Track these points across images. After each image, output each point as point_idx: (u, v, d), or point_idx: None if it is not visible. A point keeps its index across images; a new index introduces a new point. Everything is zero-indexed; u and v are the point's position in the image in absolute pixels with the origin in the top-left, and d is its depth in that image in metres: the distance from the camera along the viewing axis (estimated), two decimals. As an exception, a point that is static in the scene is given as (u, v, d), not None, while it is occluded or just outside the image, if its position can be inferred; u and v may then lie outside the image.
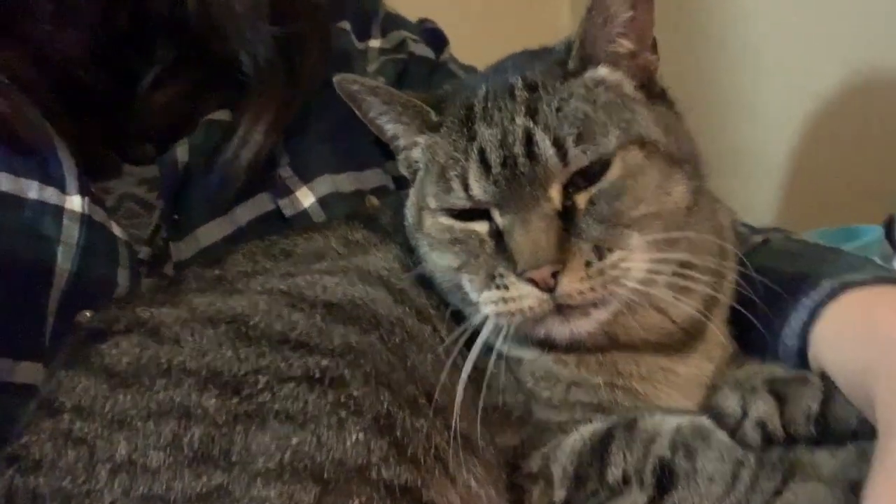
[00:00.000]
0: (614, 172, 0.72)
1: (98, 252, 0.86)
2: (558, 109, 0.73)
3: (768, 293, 0.77)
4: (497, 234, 0.74)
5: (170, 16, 0.99)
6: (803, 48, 1.68)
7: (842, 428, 0.66)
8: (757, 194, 1.77)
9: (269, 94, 0.99)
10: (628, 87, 0.78)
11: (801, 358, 0.74)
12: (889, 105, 1.58)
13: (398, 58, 1.17)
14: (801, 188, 1.77)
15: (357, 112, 0.83)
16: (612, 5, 0.74)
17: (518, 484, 0.75)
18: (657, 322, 0.78)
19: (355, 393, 0.67)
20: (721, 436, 0.70)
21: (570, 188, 0.73)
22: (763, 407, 0.70)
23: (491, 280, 0.73)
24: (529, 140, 0.72)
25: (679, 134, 0.78)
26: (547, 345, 0.77)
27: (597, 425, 0.75)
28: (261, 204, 0.97)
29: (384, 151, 0.99)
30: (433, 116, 0.80)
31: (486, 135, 0.74)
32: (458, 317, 0.78)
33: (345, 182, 1.02)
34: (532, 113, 0.73)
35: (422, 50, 1.19)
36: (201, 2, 0.97)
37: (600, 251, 0.70)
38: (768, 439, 0.69)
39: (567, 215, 0.72)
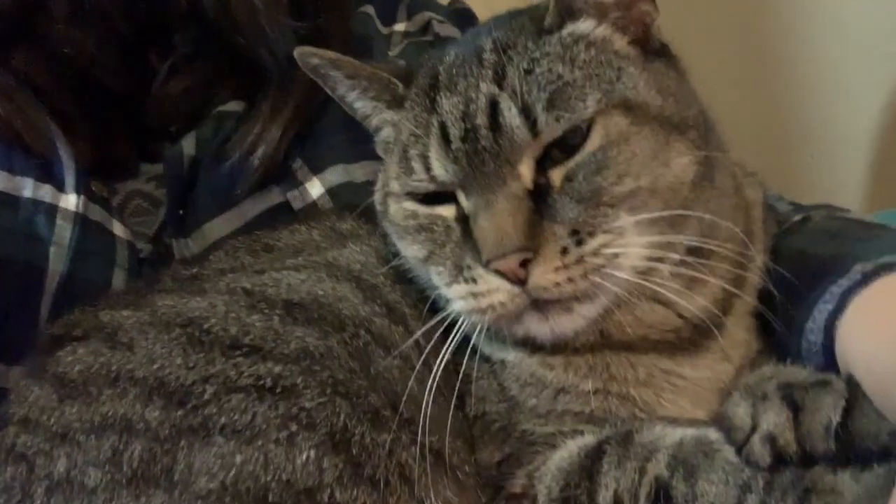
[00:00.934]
0: (594, 142, 0.65)
1: (92, 253, 0.86)
2: (528, 71, 0.66)
3: (796, 282, 0.68)
4: (465, 219, 0.68)
5: (187, 9, 0.98)
6: (892, 18, 1.58)
7: (869, 444, 0.57)
8: (843, 172, 1.72)
9: (289, 88, 0.97)
10: (618, 42, 0.70)
11: (828, 357, 0.64)
12: None
13: (422, 40, 1.13)
14: (891, 165, 1.69)
15: (327, 90, 0.79)
16: None
17: None
18: (660, 318, 0.70)
19: (308, 404, 0.63)
20: (727, 453, 0.62)
21: (544, 163, 0.66)
22: (774, 418, 0.61)
23: (459, 272, 0.67)
24: (494, 109, 0.65)
25: (680, 96, 0.69)
26: (531, 345, 0.70)
27: (587, 440, 0.69)
28: (270, 197, 0.95)
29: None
30: (400, 89, 0.74)
31: (447, 106, 0.68)
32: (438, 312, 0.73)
33: (358, 172, 0.97)
34: (499, 78, 0.66)
35: (447, 31, 1.15)
36: None
37: (580, 235, 0.63)
38: (780, 457, 0.60)
39: (541, 195, 0.65)
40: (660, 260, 0.66)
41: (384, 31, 1.13)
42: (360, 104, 0.78)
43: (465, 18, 1.19)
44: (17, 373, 0.79)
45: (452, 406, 0.68)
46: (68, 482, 0.61)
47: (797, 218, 0.83)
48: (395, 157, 0.73)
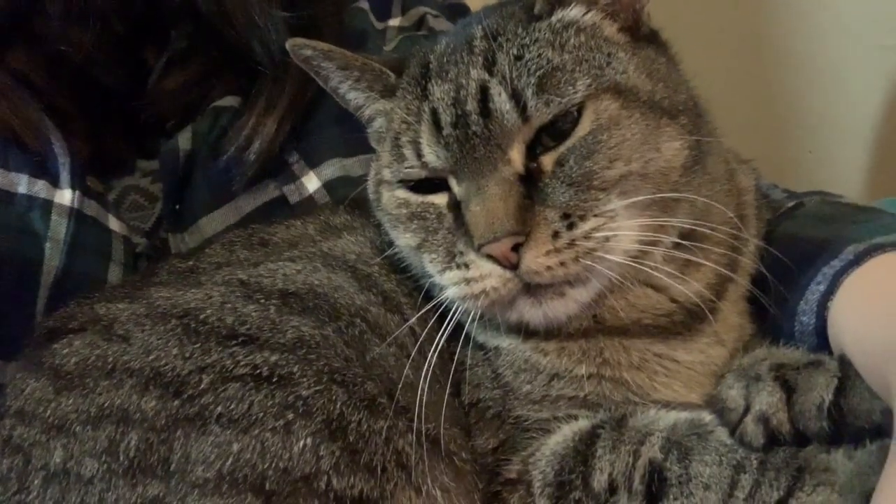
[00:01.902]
0: (584, 126, 0.65)
1: (87, 248, 0.86)
2: (518, 57, 0.66)
3: (790, 265, 0.69)
4: (457, 206, 0.68)
5: (182, 5, 0.98)
6: (888, 8, 1.59)
7: (862, 423, 0.57)
8: (841, 166, 1.73)
9: (283, 81, 0.97)
10: (608, 29, 0.71)
11: (821, 338, 0.65)
12: None
13: (417, 35, 1.14)
14: (888, 155, 1.70)
15: (319, 82, 0.79)
16: None
17: (496, 492, 0.70)
18: (653, 302, 0.71)
19: (304, 393, 0.63)
20: (721, 435, 0.63)
21: (535, 149, 0.66)
22: (767, 399, 0.61)
23: (451, 259, 0.68)
24: (485, 94, 0.65)
25: (670, 81, 0.70)
26: (524, 331, 0.71)
27: (581, 424, 0.69)
28: (266, 191, 0.95)
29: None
30: (392, 79, 0.75)
31: (438, 93, 0.68)
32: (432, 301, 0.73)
33: (355, 166, 0.98)
34: (489, 64, 0.66)
35: (442, 25, 1.15)
36: None
37: (571, 219, 0.63)
38: (773, 437, 0.61)
39: (532, 180, 0.65)
40: (653, 244, 0.66)
41: (379, 26, 1.13)
42: (353, 95, 0.79)
43: (459, 13, 1.19)
44: (13, 368, 0.78)
45: (448, 394, 0.68)
46: (65, 473, 0.61)
47: (791, 204, 0.83)
48: (387, 145, 0.73)
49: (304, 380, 0.64)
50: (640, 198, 0.65)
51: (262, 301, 0.69)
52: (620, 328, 0.70)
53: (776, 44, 1.78)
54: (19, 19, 0.91)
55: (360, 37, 1.06)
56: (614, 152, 0.64)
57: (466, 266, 0.66)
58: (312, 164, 0.96)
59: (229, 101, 0.98)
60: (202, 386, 0.64)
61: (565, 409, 0.70)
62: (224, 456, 0.60)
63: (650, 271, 0.66)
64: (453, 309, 0.69)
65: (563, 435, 0.69)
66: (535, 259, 0.62)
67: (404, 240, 0.72)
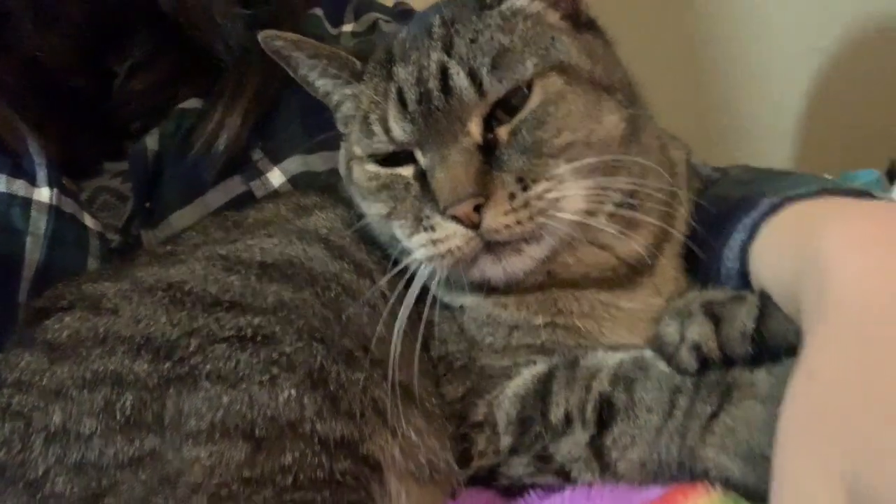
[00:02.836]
0: (534, 100, 0.71)
1: (66, 242, 0.88)
2: (472, 41, 0.72)
3: (715, 220, 0.76)
4: (422, 176, 0.73)
5: (145, 10, 1.00)
6: (804, 9, 1.69)
7: (779, 344, 0.64)
8: (769, 163, 1.80)
9: (245, 78, 1.00)
10: (551, 16, 0.77)
11: (743, 279, 0.71)
12: (892, 53, 1.61)
13: (371, 40, 1.15)
14: (812, 147, 1.78)
15: (288, 70, 0.83)
16: None
17: (465, 434, 0.74)
18: (600, 259, 0.77)
19: (287, 349, 0.67)
20: (660, 366, 0.68)
21: (491, 121, 0.72)
22: (698, 329, 0.67)
23: (419, 223, 0.72)
24: (445, 74, 0.71)
25: (607, 62, 0.76)
26: (486, 288, 0.76)
27: (539, 367, 0.74)
28: (233, 187, 0.98)
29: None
30: (358, 66, 0.80)
31: (403, 74, 0.74)
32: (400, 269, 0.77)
33: (317, 161, 1.02)
34: (447, 47, 0.72)
35: (394, 30, 1.18)
36: None
37: (525, 183, 0.69)
38: (706, 363, 0.67)
39: (489, 149, 0.71)
40: (598, 203, 0.72)
41: (333, 31, 1.16)
42: (322, 82, 0.83)
43: (409, 17, 1.21)
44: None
45: (418, 349, 0.73)
46: (65, 432, 0.64)
47: (717, 176, 0.91)
48: (356, 124, 0.78)
49: (286, 338, 0.68)
50: (585, 161, 0.70)
51: (243, 272, 0.73)
52: (571, 281, 0.76)
53: (706, 48, 1.84)
54: None
55: (317, 41, 1.12)
56: (561, 123, 0.70)
57: (433, 228, 0.70)
58: (276, 160, 0.99)
59: (193, 103, 1.00)
60: (191, 349, 0.67)
61: (524, 355, 0.75)
62: (215, 408, 0.64)
63: (596, 230, 0.72)
64: (420, 273, 0.74)
65: (523, 378, 0.73)
66: (495, 218, 0.68)
67: (375, 209, 0.77)
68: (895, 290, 0.50)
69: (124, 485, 0.62)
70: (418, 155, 0.74)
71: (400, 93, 0.73)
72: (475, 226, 0.68)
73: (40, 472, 0.63)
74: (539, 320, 0.75)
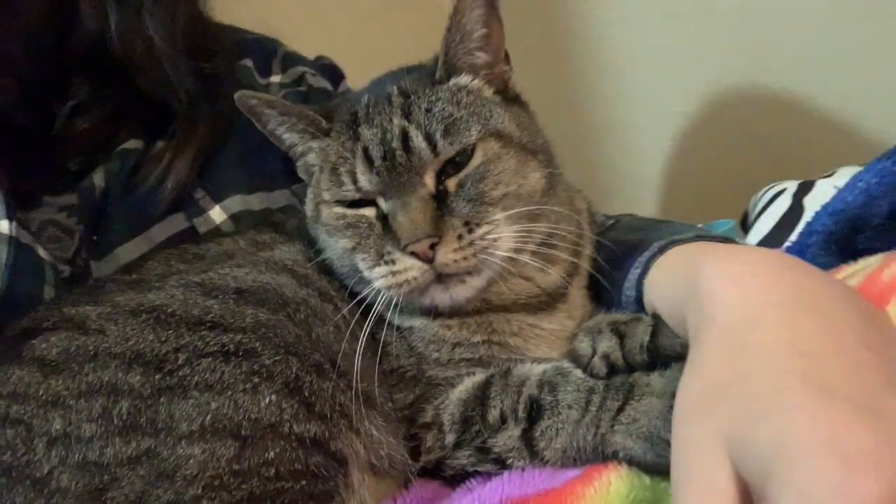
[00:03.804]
0: (477, 160, 0.82)
1: (26, 271, 0.91)
2: (428, 110, 0.83)
3: (615, 259, 0.89)
4: (383, 218, 0.83)
5: (88, 55, 1.04)
6: (666, 72, 1.83)
7: (668, 354, 0.75)
8: (636, 209, 1.91)
9: (195, 125, 1.06)
10: (487, 91, 0.89)
11: (640, 305, 0.83)
12: (745, 117, 1.75)
13: (298, 90, 1.25)
14: (676, 199, 1.92)
15: (257, 125, 0.92)
16: (467, 24, 0.85)
17: (415, 434, 0.83)
18: (525, 288, 0.88)
19: (267, 362, 0.73)
20: (577, 373, 0.79)
21: (442, 175, 0.82)
22: (607, 343, 0.79)
23: (380, 257, 0.81)
24: (405, 136, 0.81)
25: (531, 130, 0.89)
26: (433, 313, 0.86)
27: (478, 377, 0.83)
28: (176, 223, 1.03)
29: (291, 175, 1.04)
30: (324, 124, 0.89)
31: (369, 135, 0.83)
32: (356, 297, 0.87)
33: (255, 201, 1.09)
34: (407, 114, 0.83)
35: (319, 82, 1.28)
36: (123, 38, 1.03)
37: (470, 226, 0.80)
38: (613, 369, 0.78)
39: (441, 198, 0.81)
40: (525, 243, 0.82)
41: (262, 81, 1.23)
42: (289, 136, 0.91)
43: (332, 72, 1.34)
44: None
45: (378, 363, 0.82)
46: (66, 436, 0.68)
47: (610, 222, 1.05)
48: (325, 174, 0.87)
49: (266, 352, 0.73)
50: (516, 210, 0.81)
51: (221, 297, 0.78)
52: (503, 306, 0.86)
53: (586, 113, 1.98)
54: None
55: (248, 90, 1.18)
56: (497, 178, 0.81)
57: (393, 262, 0.79)
58: (217, 199, 1.06)
59: (133, 143, 1.05)
60: (179, 362, 0.72)
61: (465, 368, 0.84)
62: (204, 413, 0.69)
63: (523, 264, 0.83)
64: (377, 301, 0.81)
65: (465, 386, 0.82)
66: (446, 255, 0.78)
67: (342, 244, 0.85)
68: (755, 309, 0.59)
69: (125, 479, 0.66)
70: (380, 201, 0.83)
71: (366, 150, 0.82)
72: (429, 260, 0.78)
73: (45, 471, 0.67)
74: (478, 338, 0.85)
